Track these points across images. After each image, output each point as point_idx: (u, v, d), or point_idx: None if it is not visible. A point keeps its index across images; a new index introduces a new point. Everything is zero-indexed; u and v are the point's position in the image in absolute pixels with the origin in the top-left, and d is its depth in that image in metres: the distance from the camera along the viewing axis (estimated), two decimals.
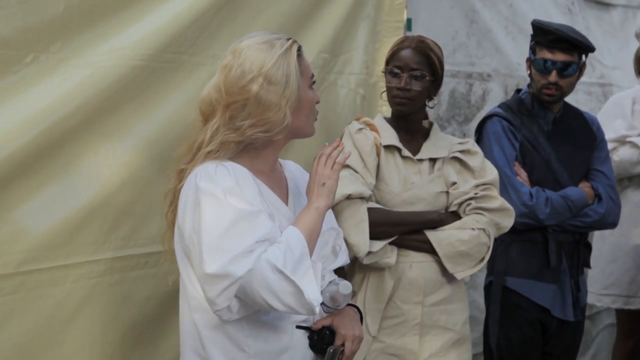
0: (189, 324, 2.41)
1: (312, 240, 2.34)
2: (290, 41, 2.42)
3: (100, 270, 2.68)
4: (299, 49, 2.43)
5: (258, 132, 2.36)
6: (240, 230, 2.23)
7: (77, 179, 2.59)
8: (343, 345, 2.45)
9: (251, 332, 2.35)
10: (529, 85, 3.72)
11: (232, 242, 2.22)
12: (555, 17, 4.70)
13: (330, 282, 2.45)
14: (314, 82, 2.47)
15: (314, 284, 2.25)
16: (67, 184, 2.57)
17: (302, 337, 2.44)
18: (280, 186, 2.51)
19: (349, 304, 2.54)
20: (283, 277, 2.21)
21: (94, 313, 2.67)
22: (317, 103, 2.48)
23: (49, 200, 2.53)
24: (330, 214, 2.65)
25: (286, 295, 2.22)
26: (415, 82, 3.14)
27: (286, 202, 2.50)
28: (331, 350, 2.43)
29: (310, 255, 2.32)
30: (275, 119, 2.36)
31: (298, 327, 2.42)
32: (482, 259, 3.16)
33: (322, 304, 2.41)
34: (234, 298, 2.24)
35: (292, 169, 2.65)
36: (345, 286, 2.42)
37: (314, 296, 2.24)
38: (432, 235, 3.12)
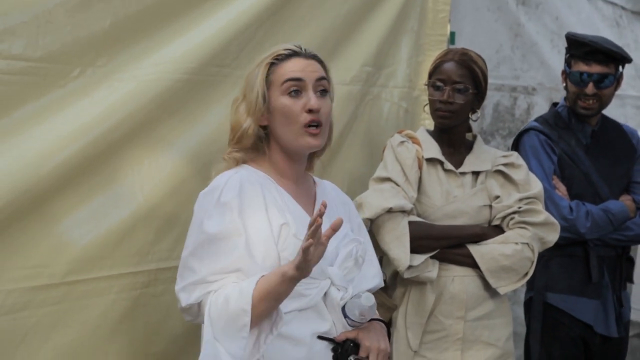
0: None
1: (266, 300, 2.23)
2: (271, 51, 2.47)
3: (144, 281, 2.71)
4: (278, 57, 2.44)
5: (230, 139, 2.49)
6: (202, 257, 2.33)
7: (121, 190, 2.63)
8: (367, 358, 2.41)
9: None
10: (565, 99, 3.69)
11: (192, 266, 2.35)
12: (603, 30, 4.66)
13: (353, 296, 2.41)
14: (294, 91, 2.41)
15: (237, 345, 2.22)
16: (111, 195, 2.61)
17: (322, 349, 2.40)
18: (306, 199, 2.51)
19: (375, 319, 2.51)
20: (209, 330, 2.26)
21: (137, 324, 2.70)
22: (312, 111, 2.40)
23: (94, 211, 2.56)
24: (360, 226, 2.66)
25: (209, 345, 2.25)
26: (458, 95, 3.13)
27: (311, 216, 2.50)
28: None
29: (269, 313, 2.26)
30: (235, 124, 2.47)
31: (320, 337, 2.39)
32: (526, 274, 3.13)
33: (347, 317, 2.40)
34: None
35: (327, 188, 2.65)
36: (367, 298, 2.37)
37: (232, 352, 2.23)
38: (474, 250, 3.10)
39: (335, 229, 2.17)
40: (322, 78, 2.46)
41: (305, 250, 2.14)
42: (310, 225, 2.13)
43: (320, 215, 2.12)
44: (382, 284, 2.65)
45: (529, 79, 4.37)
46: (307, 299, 2.38)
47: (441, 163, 3.18)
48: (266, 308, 2.24)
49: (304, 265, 2.17)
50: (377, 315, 2.56)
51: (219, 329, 2.25)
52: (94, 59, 2.55)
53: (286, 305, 2.33)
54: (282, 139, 2.45)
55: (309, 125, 2.41)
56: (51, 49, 2.45)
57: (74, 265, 2.52)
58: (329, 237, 2.18)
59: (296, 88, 2.42)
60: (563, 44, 4.36)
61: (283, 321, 2.26)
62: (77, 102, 2.51)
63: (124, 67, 2.62)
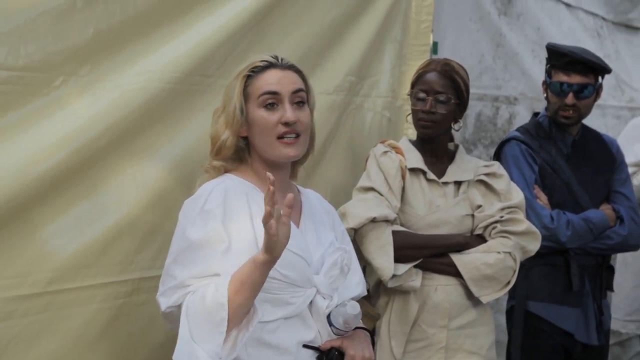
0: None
1: (242, 291, 2.23)
2: (248, 63, 2.49)
3: (128, 290, 2.70)
4: (254, 69, 2.46)
5: (211, 149, 2.50)
6: (182, 263, 2.34)
7: (104, 199, 2.62)
8: None
9: (253, 350, 2.34)
10: (546, 109, 3.71)
11: (172, 272, 2.36)
12: (584, 40, 4.70)
13: (338, 304, 2.41)
14: (270, 103, 2.43)
15: (216, 342, 2.22)
16: (95, 204, 2.60)
17: (308, 358, 2.41)
18: (293, 208, 2.51)
19: (359, 327, 2.51)
20: (186, 328, 2.26)
21: (120, 333, 2.69)
22: (288, 123, 2.41)
23: (77, 220, 2.55)
24: (344, 234, 2.67)
25: (186, 345, 2.25)
26: (440, 105, 3.14)
27: (297, 224, 2.50)
28: None
29: (248, 303, 2.26)
30: (215, 136, 2.49)
31: (305, 346, 2.40)
32: (508, 283, 3.15)
33: (332, 325, 2.40)
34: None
35: (311, 197, 2.66)
36: (352, 306, 2.38)
37: (210, 351, 2.22)
38: (457, 259, 3.11)
39: (289, 205, 2.20)
40: (298, 90, 2.47)
41: (265, 223, 2.15)
42: (266, 197, 2.15)
43: (272, 183, 2.14)
44: (365, 292, 2.66)
45: (511, 88, 4.40)
46: (293, 306, 2.38)
47: (424, 173, 3.19)
48: (243, 300, 2.22)
49: (271, 244, 2.18)
50: (361, 324, 2.56)
51: (195, 327, 2.24)
52: (77, 68, 2.55)
53: (272, 313, 2.34)
54: (260, 150, 2.47)
55: (282, 136, 2.43)
56: (33, 57, 2.44)
57: (57, 274, 2.51)
58: (288, 216, 2.20)
59: (272, 101, 2.43)
60: (544, 54, 4.39)
61: (258, 317, 2.25)
62: (60, 111, 2.50)
63: (107, 76, 2.61)
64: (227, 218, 2.36)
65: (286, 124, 2.42)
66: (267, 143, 2.44)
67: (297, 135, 2.44)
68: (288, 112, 2.42)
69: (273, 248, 2.19)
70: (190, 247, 2.34)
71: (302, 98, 2.47)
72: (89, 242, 2.59)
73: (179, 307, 2.32)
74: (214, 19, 2.90)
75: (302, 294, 2.39)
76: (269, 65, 2.47)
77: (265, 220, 2.15)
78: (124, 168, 2.67)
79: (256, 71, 2.46)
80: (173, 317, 2.36)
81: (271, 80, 2.44)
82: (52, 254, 2.50)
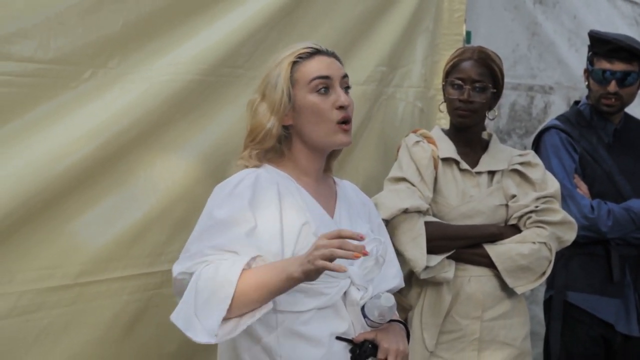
0: None
1: (261, 291, 2.20)
2: (291, 50, 2.45)
3: (157, 282, 2.71)
4: (301, 56, 2.43)
5: (249, 140, 2.45)
6: (204, 237, 2.31)
7: (133, 192, 2.63)
8: (386, 359, 2.38)
9: (285, 341, 2.32)
10: (587, 97, 3.67)
11: (193, 246, 2.32)
12: (622, 28, 4.62)
13: (372, 296, 2.39)
14: (323, 88, 2.41)
15: (215, 318, 2.17)
16: (124, 197, 2.61)
17: (340, 350, 2.36)
18: (327, 199, 2.49)
19: (395, 320, 2.49)
20: (192, 296, 2.22)
21: (150, 325, 2.70)
22: (342, 107, 2.40)
23: (106, 212, 2.57)
24: (380, 226, 2.64)
25: (182, 302, 2.23)
26: (477, 94, 3.11)
27: (332, 215, 2.48)
28: None
29: (254, 305, 2.22)
30: (257, 125, 2.43)
31: (338, 338, 2.37)
32: (544, 273, 3.11)
33: (366, 317, 2.37)
34: None
35: (347, 188, 2.64)
36: (387, 298, 2.34)
37: (207, 327, 2.18)
38: (491, 249, 3.07)
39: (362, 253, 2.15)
40: (345, 75, 2.47)
41: (322, 268, 2.13)
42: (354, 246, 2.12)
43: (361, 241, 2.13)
44: (402, 284, 2.64)
45: (546, 78, 4.34)
46: (326, 297, 2.35)
47: (457, 163, 3.16)
48: (258, 298, 2.20)
49: (319, 273, 2.16)
50: (396, 316, 2.53)
51: (201, 297, 2.20)
52: (106, 60, 2.55)
53: (306, 304, 2.32)
54: (311, 137, 2.43)
55: (341, 122, 2.41)
56: (63, 50, 2.45)
57: (87, 267, 2.53)
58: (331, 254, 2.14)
59: (325, 86, 2.41)
60: (581, 42, 4.34)
61: (269, 309, 2.23)
62: (89, 103, 2.51)
63: (136, 69, 2.62)
64: (255, 202, 2.34)
65: (341, 107, 2.40)
66: (323, 129, 2.41)
67: (349, 121, 2.44)
68: (342, 96, 2.41)
69: (315, 275, 2.17)
70: (215, 225, 2.32)
71: (348, 84, 2.48)
72: (119, 235, 2.60)
73: (192, 275, 2.27)
74: (243, 10, 2.90)
75: (336, 284, 2.36)
76: (315, 52, 2.45)
77: (324, 268, 2.12)
78: (152, 160, 2.67)
79: (303, 57, 2.43)
80: (182, 286, 2.30)
81: (321, 65, 2.42)
82: (81, 246, 2.51)
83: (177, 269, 2.33)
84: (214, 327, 2.17)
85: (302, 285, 2.27)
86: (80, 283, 2.51)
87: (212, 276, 2.21)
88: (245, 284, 2.19)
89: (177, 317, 2.24)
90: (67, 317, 2.49)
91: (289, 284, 2.20)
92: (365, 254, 2.14)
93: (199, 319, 2.19)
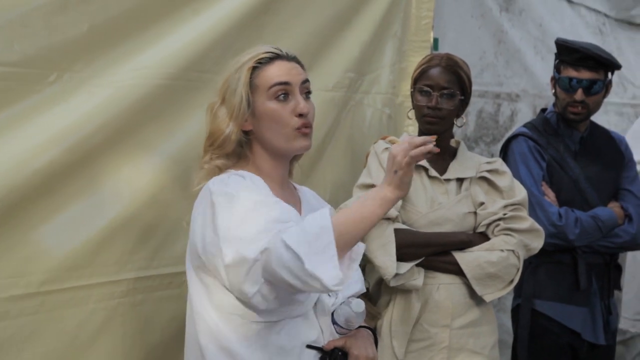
0: (193, 346, 2.36)
1: (363, 224, 2.12)
2: (251, 54, 2.41)
3: (123, 290, 2.66)
4: (261, 61, 2.39)
5: (208, 144, 2.42)
6: (255, 216, 2.19)
7: (99, 198, 2.58)
8: None
9: (257, 352, 2.28)
10: (554, 105, 3.68)
11: (247, 228, 2.18)
12: (586, 37, 4.67)
13: (342, 302, 2.37)
14: (283, 94, 2.38)
15: (332, 263, 2.06)
16: (89, 203, 2.55)
17: (310, 358, 2.35)
18: (293, 204, 2.44)
19: (362, 326, 2.47)
20: (295, 256, 2.07)
21: (116, 334, 2.64)
22: (302, 115, 2.37)
23: (71, 219, 2.51)
24: None
25: (301, 274, 2.07)
26: (445, 100, 3.10)
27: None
28: None
29: (357, 241, 2.14)
30: (216, 130, 2.40)
31: (309, 346, 2.35)
32: (512, 281, 3.10)
33: (335, 324, 2.36)
34: (265, 284, 2.17)
35: (307, 193, 2.62)
36: (357, 304, 2.34)
37: (331, 275, 2.06)
38: (460, 257, 3.06)
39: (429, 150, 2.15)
40: (306, 81, 2.43)
41: (410, 164, 2.11)
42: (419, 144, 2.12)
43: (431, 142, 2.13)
44: (364, 290, 2.62)
45: (513, 85, 4.37)
46: (301, 305, 2.33)
47: (425, 170, 3.15)
48: (359, 233, 2.12)
49: (407, 179, 2.13)
50: (364, 323, 2.52)
51: (308, 253, 2.05)
52: (71, 64, 2.50)
53: (279, 313, 2.29)
54: (271, 143, 2.40)
55: (299, 128, 2.38)
56: (27, 53, 2.39)
57: (51, 275, 2.47)
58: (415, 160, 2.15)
59: (284, 92, 2.38)
60: (547, 50, 4.37)
61: (362, 248, 2.18)
62: (54, 107, 2.46)
63: (102, 72, 2.57)
64: (261, 190, 2.30)
65: (301, 115, 2.37)
66: (282, 135, 2.38)
67: (309, 127, 2.40)
68: (301, 103, 2.38)
69: (407, 184, 2.14)
70: (254, 206, 2.21)
71: (309, 89, 2.44)
72: (84, 242, 2.54)
73: (269, 250, 2.11)
74: (210, 14, 2.86)
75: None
76: (275, 57, 2.42)
77: (412, 162, 2.11)
78: (119, 166, 2.62)
79: (263, 62, 2.40)
80: (268, 263, 2.12)
81: (281, 71, 2.39)
82: (45, 254, 2.46)
83: (249, 252, 2.15)
84: (335, 273, 2.06)
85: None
86: (44, 291, 2.45)
87: (302, 233, 2.09)
88: (339, 226, 2.10)
89: (295, 239, 2.09)
90: (31, 327, 2.43)
91: (383, 208, 2.13)
92: (433, 139, 2.14)
93: (317, 270, 2.06)
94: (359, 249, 2.18)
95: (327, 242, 2.07)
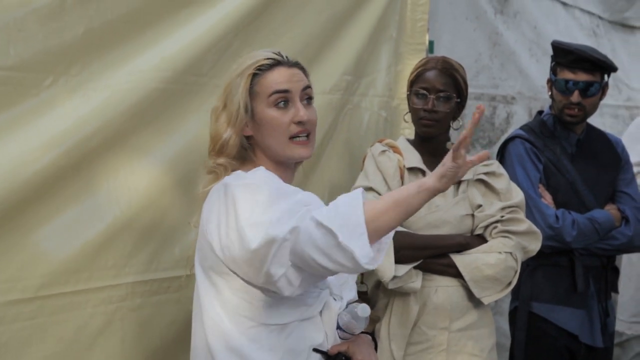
0: (202, 347, 2.34)
1: (394, 210, 2.06)
2: (252, 60, 2.40)
3: (121, 294, 2.65)
4: (261, 67, 2.38)
5: (210, 148, 2.41)
6: (280, 200, 2.17)
7: (97, 201, 2.57)
8: None
9: (266, 354, 2.27)
10: (550, 107, 3.68)
11: (273, 211, 2.13)
12: (580, 39, 4.67)
13: (347, 306, 2.37)
14: (282, 102, 2.37)
15: (363, 241, 2.01)
16: (87, 207, 2.55)
17: None
18: None
19: (362, 332, 2.46)
20: (327, 232, 2.02)
21: (114, 338, 2.63)
22: (299, 122, 2.36)
23: (68, 223, 2.50)
24: None
25: (332, 250, 2.03)
26: (441, 103, 3.10)
27: None
28: None
29: (389, 227, 2.08)
30: (215, 135, 2.39)
31: (315, 350, 2.34)
32: (510, 284, 3.09)
33: (339, 328, 2.35)
34: (291, 268, 2.12)
35: None
36: (363, 309, 2.32)
37: (363, 252, 2.01)
38: (458, 259, 3.06)
39: (482, 158, 2.09)
40: (307, 87, 2.42)
41: (456, 154, 2.06)
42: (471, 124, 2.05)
43: (481, 113, 2.04)
44: (357, 297, 2.61)
45: (508, 87, 4.37)
46: (310, 308, 2.33)
47: (423, 172, 3.15)
48: (392, 218, 2.06)
49: (452, 172, 2.08)
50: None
51: (342, 226, 2.01)
52: (67, 67, 2.50)
53: (289, 315, 2.28)
54: (270, 150, 2.40)
55: (295, 136, 2.37)
56: (23, 57, 2.39)
57: (49, 279, 2.46)
58: (472, 163, 2.10)
59: (284, 99, 2.37)
60: (541, 53, 4.38)
61: (389, 239, 2.14)
62: (50, 111, 2.45)
63: (98, 76, 2.56)
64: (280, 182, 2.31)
65: (299, 123, 2.36)
66: (279, 143, 2.37)
67: (308, 135, 2.39)
68: (301, 111, 2.37)
69: (451, 177, 2.09)
70: (277, 192, 2.20)
71: (310, 95, 2.43)
72: (82, 246, 2.53)
73: (299, 230, 2.07)
74: (206, 18, 2.86)
75: (317, 294, 2.34)
76: (276, 63, 2.40)
77: (458, 152, 2.06)
78: (116, 169, 2.62)
79: (263, 69, 2.39)
80: (297, 243, 2.08)
81: (281, 78, 2.38)
82: (43, 258, 2.45)
83: (277, 232, 2.09)
84: (366, 251, 2.02)
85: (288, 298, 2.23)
86: (42, 296, 2.44)
87: (334, 209, 2.06)
88: (372, 211, 2.06)
89: (328, 217, 2.04)
90: (28, 332, 2.42)
91: (421, 196, 2.09)
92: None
93: (351, 244, 2.02)
94: (387, 239, 2.12)
95: (358, 220, 2.03)
